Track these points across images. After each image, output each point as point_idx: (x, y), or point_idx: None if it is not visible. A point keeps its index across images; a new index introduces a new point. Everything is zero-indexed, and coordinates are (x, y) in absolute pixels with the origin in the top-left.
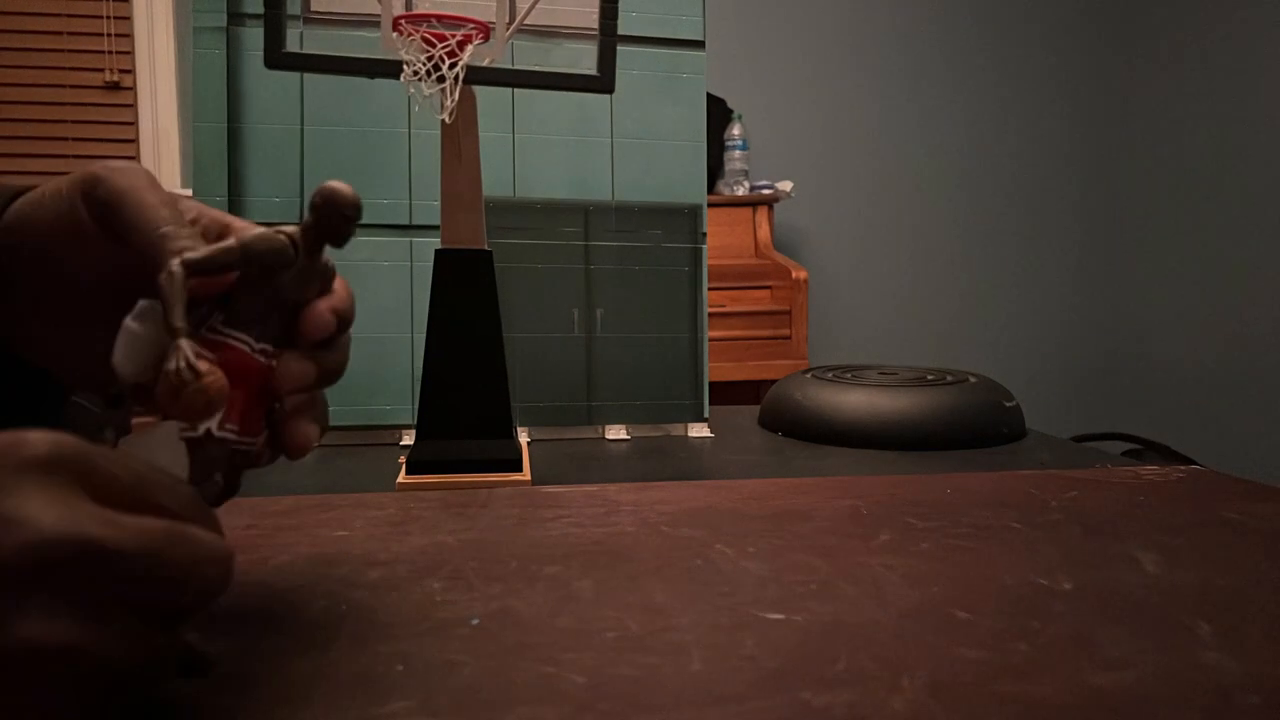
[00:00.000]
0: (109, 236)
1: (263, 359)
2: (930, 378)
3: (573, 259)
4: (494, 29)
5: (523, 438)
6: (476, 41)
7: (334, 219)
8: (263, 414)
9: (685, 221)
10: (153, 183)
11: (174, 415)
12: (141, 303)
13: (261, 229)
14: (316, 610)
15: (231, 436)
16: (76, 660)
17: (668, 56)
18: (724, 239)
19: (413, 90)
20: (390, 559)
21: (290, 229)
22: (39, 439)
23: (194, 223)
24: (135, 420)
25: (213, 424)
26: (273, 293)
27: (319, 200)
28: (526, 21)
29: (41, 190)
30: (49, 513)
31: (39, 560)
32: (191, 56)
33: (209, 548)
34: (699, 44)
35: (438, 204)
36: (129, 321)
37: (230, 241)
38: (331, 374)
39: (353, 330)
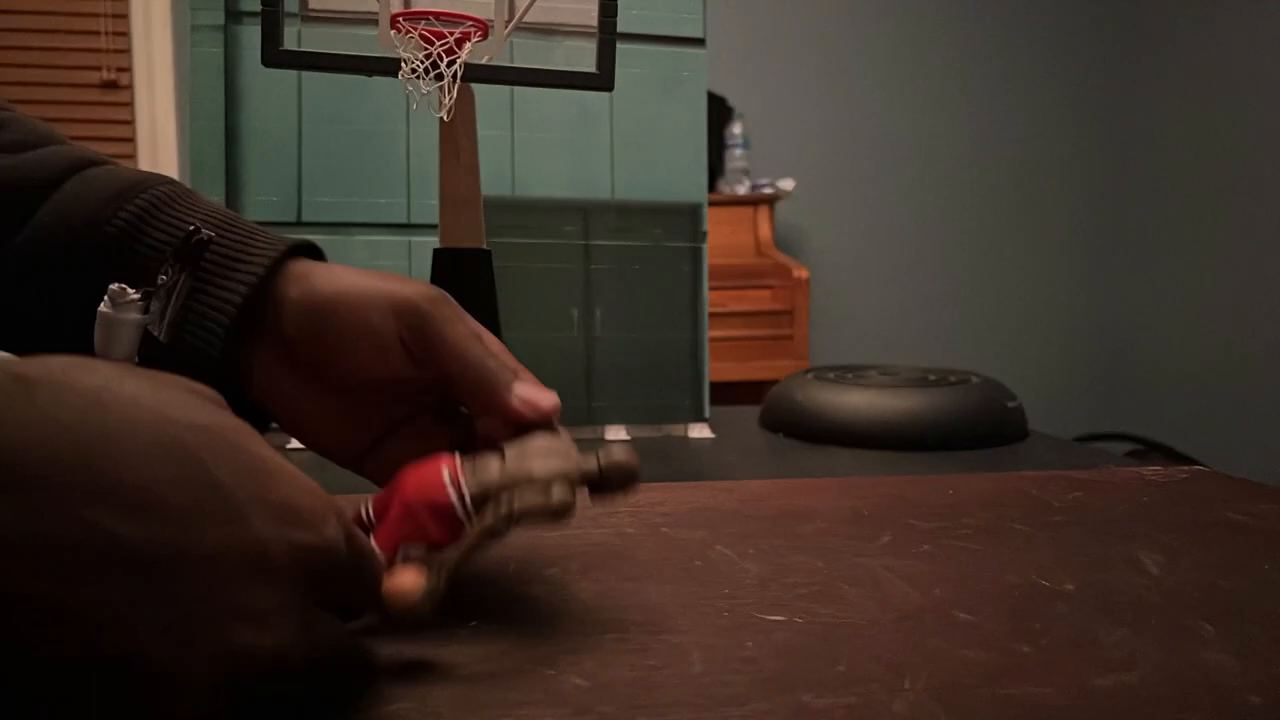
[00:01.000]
0: (419, 360)
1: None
2: (932, 378)
3: (572, 258)
4: (492, 26)
5: None
6: (475, 39)
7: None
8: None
9: (685, 221)
10: (460, 313)
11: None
12: (112, 287)
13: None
14: None
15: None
16: (283, 665)
17: (668, 55)
18: (724, 238)
19: (411, 88)
20: None
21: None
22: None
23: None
24: None
25: None
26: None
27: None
28: (525, 19)
29: (349, 285)
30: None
31: (317, 562)
32: (189, 55)
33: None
34: (700, 42)
35: (436, 203)
36: (104, 309)
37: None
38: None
39: None
